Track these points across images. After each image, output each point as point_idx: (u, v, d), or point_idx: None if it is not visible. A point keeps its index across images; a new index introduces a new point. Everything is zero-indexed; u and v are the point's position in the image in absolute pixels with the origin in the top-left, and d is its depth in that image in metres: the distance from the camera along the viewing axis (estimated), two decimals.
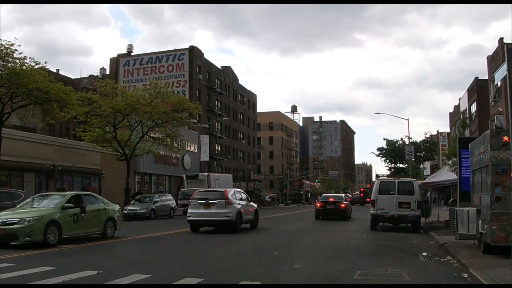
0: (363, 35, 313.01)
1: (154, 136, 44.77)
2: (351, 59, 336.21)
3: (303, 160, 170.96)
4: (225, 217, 22.15)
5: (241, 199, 24.50)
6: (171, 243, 19.32)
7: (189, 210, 23.36)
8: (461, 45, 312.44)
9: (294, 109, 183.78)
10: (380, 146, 78.17)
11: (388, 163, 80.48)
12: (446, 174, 25.98)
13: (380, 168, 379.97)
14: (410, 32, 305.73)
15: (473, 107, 53.82)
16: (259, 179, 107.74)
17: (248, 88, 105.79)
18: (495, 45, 42.20)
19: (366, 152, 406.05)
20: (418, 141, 78.29)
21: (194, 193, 24.56)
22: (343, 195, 45.04)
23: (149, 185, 61.10)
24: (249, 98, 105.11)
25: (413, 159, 63.57)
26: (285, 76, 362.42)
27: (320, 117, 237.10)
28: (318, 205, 37.72)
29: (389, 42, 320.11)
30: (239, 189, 28.55)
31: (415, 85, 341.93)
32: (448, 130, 79.28)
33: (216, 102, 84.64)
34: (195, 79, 77.05)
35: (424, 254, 14.98)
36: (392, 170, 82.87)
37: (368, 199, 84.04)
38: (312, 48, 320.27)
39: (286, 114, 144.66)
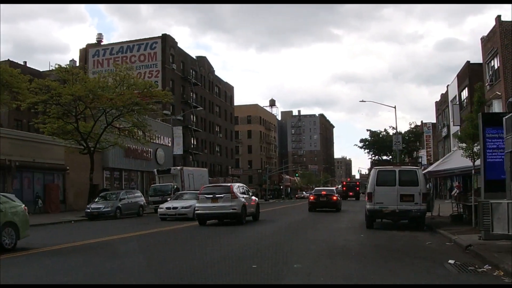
0: (340, 30, 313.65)
1: (120, 126, 40.53)
2: (328, 54, 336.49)
3: (282, 155, 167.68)
4: (231, 209, 23.59)
5: (243, 193, 25.67)
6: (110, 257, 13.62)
7: (196, 204, 25.01)
8: (437, 40, 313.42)
9: (272, 103, 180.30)
10: (363, 138, 74.88)
11: (371, 155, 77.24)
12: (457, 161, 22.22)
13: (360, 162, 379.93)
14: (386, 27, 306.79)
15: (464, 93, 50.58)
16: (237, 174, 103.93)
17: (225, 80, 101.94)
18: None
19: (344, 147, 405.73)
20: (403, 131, 75.19)
21: (202, 188, 26.67)
22: (334, 188, 45.99)
23: (119, 181, 56.97)
24: (226, 90, 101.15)
25: (401, 149, 60.05)
26: (262, 72, 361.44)
27: (299, 111, 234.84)
28: (312, 198, 39.27)
29: (366, 37, 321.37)
30: (242, 184, 29.96)
31: (391, 80, 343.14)
32: (434, 121, 76.24)
33: (191, 93, 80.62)
34: (168, 69, 72.94)
35: (451, 262, 11.32)
36: (376, 162, 79.74)
37: (350, 193, 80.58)
38: (289, 43, 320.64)
39: (264, 108, 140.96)
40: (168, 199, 40.90)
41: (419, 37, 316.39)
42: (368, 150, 75.86)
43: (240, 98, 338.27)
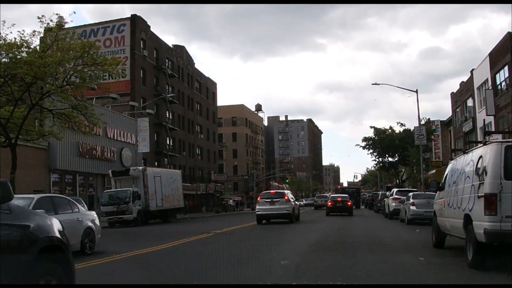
0: (324, 39, 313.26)
1: (50, 108, 29.20)
2: (312, 63, 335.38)
3: (269, 161, 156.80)
4: (286, 211, 29.46)
5: (292, 199, 32.22)
6: None
7: (257, 207, 31.13)
8: (420, 48, 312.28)
9: (258, 108, 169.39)
10: (367, 136, 64.54)
11: (376, 156, 66.88)
12: None
13: (348, 170, 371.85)
14: (370, 36, 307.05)
15: (503, 74, 40.22)
16: (221, 180, 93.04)
17: (207, 75, 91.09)
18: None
19: (332, 154, 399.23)
20: (412, 128, 64.83)
21: (261, 194, 32.89)
22: (347, 195, 49.75)
23: (72, 187, 45.93)
24: (208, 86, 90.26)
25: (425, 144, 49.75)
26: (247, 81, 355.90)
27: (286, 116, 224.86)
28: (329, 203, 44.34)
29: (350, 46, 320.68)
30: (289, 191, 37.79)
31: (376, 88, 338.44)
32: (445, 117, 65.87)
33: (167, 86, 69.69)
34: (138, 55, 62.04)
35: None
36: (380, 165, 69.33)
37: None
38: (273, 52, 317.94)
39: (250, 109, 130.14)
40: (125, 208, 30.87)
41: (402, 46, 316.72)
42: (371, 151, 65.52)
43: (225, 103, 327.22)
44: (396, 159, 64.50)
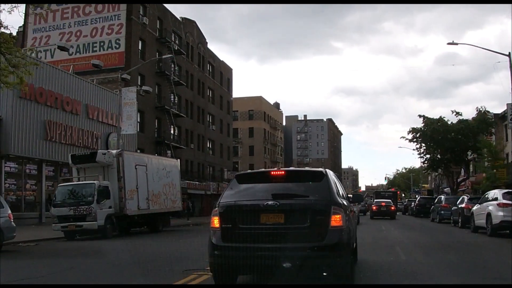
0: (340, 43, 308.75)
1: None
2: (328, 66, 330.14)
3: (287, 163, 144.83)
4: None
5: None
6: None
7: None
8: (437, 54, 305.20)
9: (277, 106, 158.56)
10: (414, 127, 52.50)
11: (422, 153, 54.95)
12: None
13: (367, 174, 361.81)
14: (386, 40, 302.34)
15: None
16: None
17: (221, 58, 79.41)
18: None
19: (350, 157, 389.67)
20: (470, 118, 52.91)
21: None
22: (390, 200, 51.52)
23: (36, 180, 34.66)
24: (222, 71, 78.56)
25: None
26: (263, 83, 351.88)
27: (305, 116, 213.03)
28: (374, 208, 48.12)
29: (366, 50, 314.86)
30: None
31: (392, 93, 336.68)
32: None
33: (172, 65, 58.18)
34: (136, 22, 50.67)
35: None
36: (426, 163, 57.24)
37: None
38: (289, 55, 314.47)
39: (269, 102, 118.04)
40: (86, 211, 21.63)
41: (418, 51, 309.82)
42: (418, 146, 53.59)
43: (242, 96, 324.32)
44: (447, 156, 52.48)
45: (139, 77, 50.51)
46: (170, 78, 55.98)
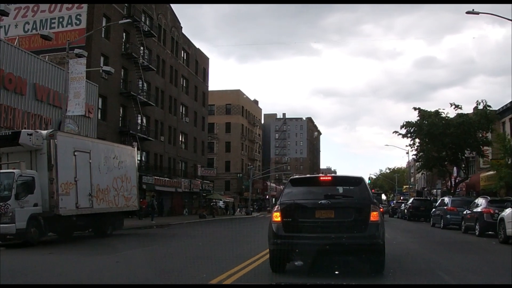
0: (320, 45, 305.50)
1: None
2: (308, 67, 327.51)
3: (264, 162, 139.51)
4: None
5: None
6: None
7: None
8: (415, 57, 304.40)
9: (255, 103, 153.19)
10: (408, 121, 47.25)
11: (415, 149, 49.86)
12: None
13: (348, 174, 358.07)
14: (365, 43, 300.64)
15: None
16: (210, 176, 75.57)
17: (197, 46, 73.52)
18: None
19: (329, 157, 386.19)
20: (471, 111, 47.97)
21: None
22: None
23: None
24: (198, 59, 72.72)
25: None
26: (243, 83, 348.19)
27: (284, 114, 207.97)
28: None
29: (345, 52, 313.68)
30: None
31: (370, 95, 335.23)
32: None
33: (142, 48, 52.29)
34: None
35: None
36: (420, 161, 52.09)
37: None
38: (269, 55, 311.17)
39: (248, 97, 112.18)
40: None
41: (397, 54, 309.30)
42: (412, 142, 48.48)
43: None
44: (444, 153, 47.38)
45: (101, 58, 44.66)
46: (139, 62, 50.14)
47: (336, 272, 10.41)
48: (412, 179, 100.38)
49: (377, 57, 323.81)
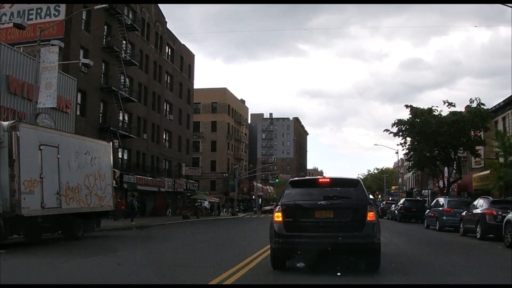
0: (307, 46, 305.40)
1: None
2: (294, 68, 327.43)
3: (251, 162, 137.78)
4: None
5: None
6: None
7: None
8: (401, 59, 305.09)
9: (242, 102, 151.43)
10: (400, 118, 45.72)
11: (406, 148, 48.37)
12: None
13: (332, 175, 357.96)
14: (352, 44, 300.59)
15: None
16: (195, 176, 73.68)
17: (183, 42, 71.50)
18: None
19: (315, 157, 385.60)
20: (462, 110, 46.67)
21: None
22: None
23: None
24: (183, 56, 70.76)
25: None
26: (229, 83, 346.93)
27: (271, 114, 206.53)
28: None
29: (332, 53, 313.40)
30: None
31: (356, 96, 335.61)
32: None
33: (123, 42, 50.30)
34: None
35: None
36: (411, 160, 50.56)
37: None
38: (256, 56, 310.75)
39: (235, 95, 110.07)
40: None
41: (384, 56, 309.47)
42: (403, 141, 46.95)
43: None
44: (436, 152, 45.94)
45: (81, 51, 42.66)
46: (121, 56, 48.20)
47: (338, 274, 10.48)
48: (400, 180, 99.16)
49: (363, 58, 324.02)
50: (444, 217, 29.34)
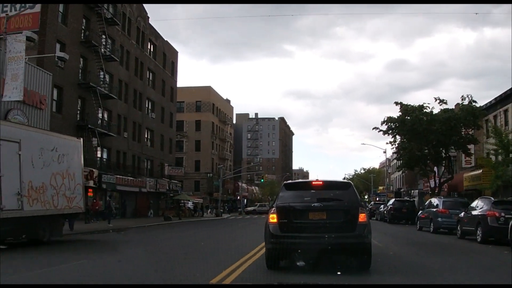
0: (293, 46, 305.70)
1: None
2: (280, 69, 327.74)
3: (236, 162, 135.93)
4: None
5: None
6: None
7: None
8: (387, 60, 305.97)
9: (227, 102, 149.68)
10: (390, 116, 44.17)
11: (396, 147, 46.93)
12: None
13: (318, 176, 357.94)
14: (338, 45, 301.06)
15: None
16: (178, 176, 71.72)
17: (166, 38, 69.52)
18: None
19: (301, 157, 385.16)
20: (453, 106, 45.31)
21: None
22: None
23: None
24: (166, 52, 68.78)
25: None
26: (215, 84, 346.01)
27: (256, 114, 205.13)
28: None
29: (318, 54, 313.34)
30: None
31: (342, 97, 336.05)
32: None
33: (103, 36, 48.28)
34: None
35: None
36: (401, 159, 49.06)
37: None
38: (241, 57, 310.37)
39: (219, 94, 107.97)
40: None
41: (369, 57, 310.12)
42: (393, 139, 45.46)
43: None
44: (426, 151, 44.50)
45: (58, 45, 40.62)
46: (100, 51, 46.20)
47: (339, 273, 10.74)
48: (387, 180, 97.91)
49: (349, 59, 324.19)
50: (439, 219, 27.81)
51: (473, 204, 23.65)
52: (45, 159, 18.14)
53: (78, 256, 15.27)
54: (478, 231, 21.11)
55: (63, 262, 13.55)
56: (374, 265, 11.60)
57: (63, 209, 19.45)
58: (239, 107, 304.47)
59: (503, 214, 19.91)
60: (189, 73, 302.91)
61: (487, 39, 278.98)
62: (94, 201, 40.60)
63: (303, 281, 9.97)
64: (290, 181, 14.13)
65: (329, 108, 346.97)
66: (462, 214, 23.87)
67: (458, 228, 24.17)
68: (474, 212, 22.30)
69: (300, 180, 21.36)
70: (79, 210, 21.02)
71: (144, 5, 59.98)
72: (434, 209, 28.92)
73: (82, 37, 44.77)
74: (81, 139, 22.59)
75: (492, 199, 22.54)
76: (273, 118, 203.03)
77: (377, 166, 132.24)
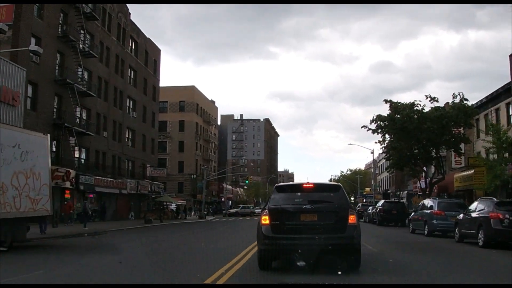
0: (277, 48, 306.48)
1: None
2: (265, 71, 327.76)
3: (221, 163, 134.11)
4: None
5: None
6: None
7: None
8: (372, 62, 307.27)
9: (212, 103, 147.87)
10: (380, 114, 42.65)
11: (384, 146, 45.54)
12: None
13: (303, 177, 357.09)
14: (322, 47, 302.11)
15: None
16: (160, 177, 69.76)
17: (147, 35, 67.50)
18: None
19: (286, 159, 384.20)
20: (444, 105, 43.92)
21: None
22: None
23: None
24: (148, 50, 66.83)
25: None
26: (200, 85, 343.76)
27: (241, 115, 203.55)
28: None
29: (302, 56, 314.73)
30: None
31: (327, 99, 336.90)
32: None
33: (81, 31, 46.33)
34: None
35: None
36: (391, 159, 47.60)
37: None
38: (226, 58, 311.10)
39: (204, 94, 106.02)
40: None
41: (354, 59, 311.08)
42: (382, 138, 43.99)
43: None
44: (416, 151, 43.06)
45: (33, 40, 38.62)
46: (78, 47, 44.25)
47: (339, 273, 10.96)
48: (372, 182, 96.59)
49: (333, 61, 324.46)
50: (435, 221, 26.27)
51: (473, 205, 22.15)
52: (6, 156, 16.30)
53: (35, 267, 13.38)
54: (480, 234, 19.58)
55: (11, 275, 11.65)
56: (375, 275, 9.99)
57: (27, 212, 17.60)
58: (224, 108, 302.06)
59: (507, 216, 18.46)
60: (174, 75, 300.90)
61: (471, 42, 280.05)
62: (66, 203, 38.64)
63: (300, 281, 9.96)
64: (281, 183, 14.24)
65: (313, 110, 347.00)
66: (461, 216, 22.36)
67: (456, 231, 22.65)
68: (474, 214, 20.81)
69: (291, 182, 19.87)
70: (45, 213, 19.14)
71: (128, 5, 58.31)
72: (429, 211, 27.40)
73: (59, 32, 42.80)
74: (48, 135, 20.69)
75: (495, 200, 21.01)
76: (258, 120, 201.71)
77: (363, 167, 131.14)
